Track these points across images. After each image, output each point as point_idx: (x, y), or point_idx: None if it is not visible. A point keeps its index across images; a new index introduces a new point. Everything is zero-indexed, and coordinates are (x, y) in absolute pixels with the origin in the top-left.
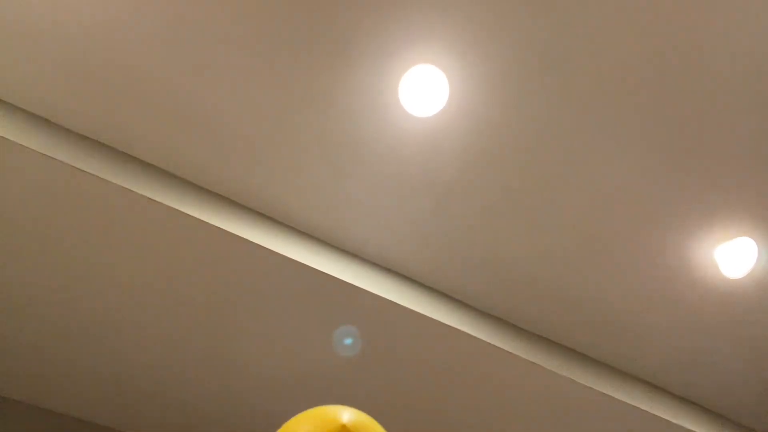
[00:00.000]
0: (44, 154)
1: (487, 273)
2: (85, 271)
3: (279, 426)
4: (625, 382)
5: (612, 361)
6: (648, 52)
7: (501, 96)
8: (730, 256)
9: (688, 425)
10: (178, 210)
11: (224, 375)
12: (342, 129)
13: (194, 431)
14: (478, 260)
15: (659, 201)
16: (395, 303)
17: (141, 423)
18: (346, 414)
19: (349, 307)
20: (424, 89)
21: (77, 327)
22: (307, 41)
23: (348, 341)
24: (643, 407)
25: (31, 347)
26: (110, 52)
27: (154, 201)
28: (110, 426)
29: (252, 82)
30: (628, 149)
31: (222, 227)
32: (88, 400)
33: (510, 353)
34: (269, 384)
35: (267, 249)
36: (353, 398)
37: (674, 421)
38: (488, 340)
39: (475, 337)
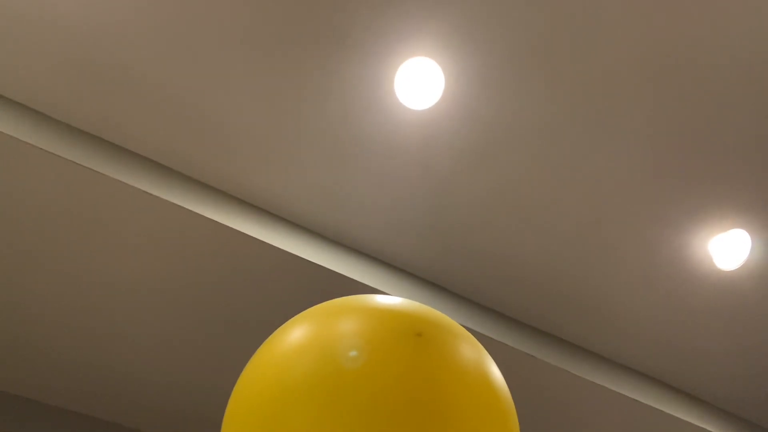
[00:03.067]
0: (43, 149)
1: (482, 265)
2: (83, 265)
3: None
4: (620, 373)
5: (606, 352)
6: (644, 47)
7: (496, 89)
8: (724, 248)
9: (681, 415)
10: (176, 204)
11: (224, 371)
12: (338, 121)
13: (192, 426)
14: (474, 252)
15: (653, 194)
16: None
17: (138, 417)
18: (419, 317)
19: None
20: (419, 82)
21: (75, 321)
22: (303, 34)
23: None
24: (637, 398)
25: (27, 341)
26: (110, 47)
27: (153, 196)
28: (107, 420)
29: (248, 76)
30: (622, 142)
31: (219, 221)
32: (86, 394)
33: (505, 344)
34: None
35: (262, 242)
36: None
37: (668, 411)
38: (483, 332)
39: (470, 329)
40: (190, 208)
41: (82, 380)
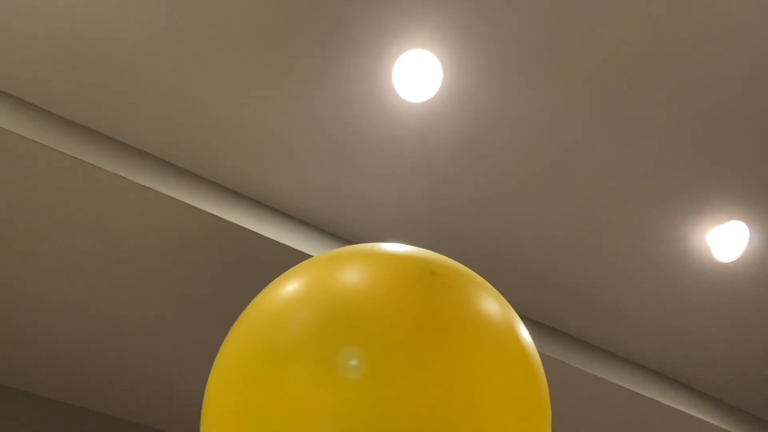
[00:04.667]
0: (41, 143)
1: (481, 258)
2: (82, 261)
3: None
4: (618, 364)
5: (605, 344)
6: (644, 40)
7: (495, 81)
8: (722, 240)
9: (679, 406)
10: (174, 198)
11: None
12: (335, 114)
13: (188, 423)
14: (473, 245)
15: (651, 186)
16: None
17: (139, 413)
18: (432, 260)
19: None
20: (417, 74)
21: (74, 318)
22: (300, 27)
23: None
24: (635, 389)
25: (25, 335)
26: (109, 41)
27: (152, 190)
28: (105, 413)
29: (244, 69)
30: (621, 134)
31: (217, 215)
32: (95, 390)
33: None
34: None
35: (260, 235)
36: None
37: (666, 402)
38: None
39: None
40: (188, 201)
41: (86, 376)
